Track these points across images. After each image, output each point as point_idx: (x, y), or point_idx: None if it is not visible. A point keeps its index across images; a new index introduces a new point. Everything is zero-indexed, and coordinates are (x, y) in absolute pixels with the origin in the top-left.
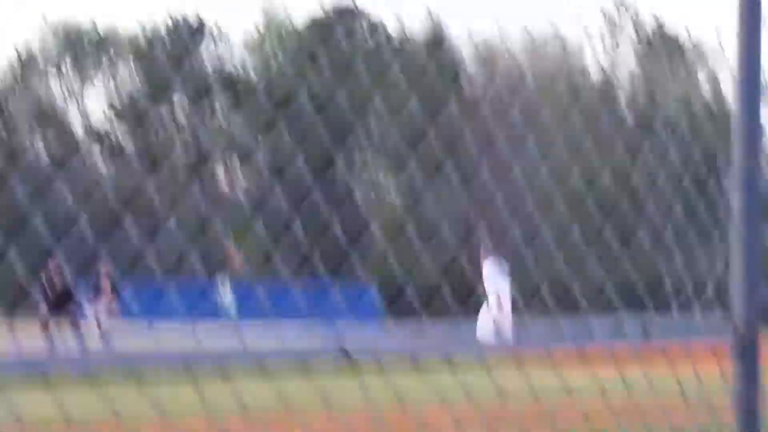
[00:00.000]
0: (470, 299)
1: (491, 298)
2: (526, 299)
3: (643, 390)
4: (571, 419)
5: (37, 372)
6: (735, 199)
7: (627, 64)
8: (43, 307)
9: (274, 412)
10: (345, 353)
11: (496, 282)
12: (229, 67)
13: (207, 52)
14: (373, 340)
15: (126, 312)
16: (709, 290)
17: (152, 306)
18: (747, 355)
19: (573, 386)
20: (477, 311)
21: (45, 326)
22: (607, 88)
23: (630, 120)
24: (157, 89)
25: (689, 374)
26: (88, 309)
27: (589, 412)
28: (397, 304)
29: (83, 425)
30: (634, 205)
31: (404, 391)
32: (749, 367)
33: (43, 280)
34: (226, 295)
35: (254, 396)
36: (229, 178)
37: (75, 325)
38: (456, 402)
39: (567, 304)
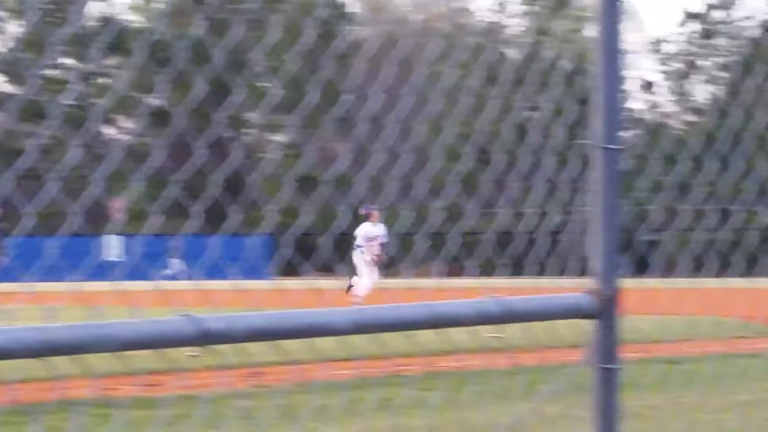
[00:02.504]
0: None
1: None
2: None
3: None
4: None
5: None
6: (596, 167)
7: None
8: None
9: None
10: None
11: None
12: (114, 23)
13: (89, 6)
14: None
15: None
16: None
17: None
18: (606, 312)
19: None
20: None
21: None
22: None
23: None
24: (37, 44)
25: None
26: None
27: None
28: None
29: None
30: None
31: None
32: (607, 323)
33: None
34: (111, 251)
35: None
36: (113, 131)
37: None
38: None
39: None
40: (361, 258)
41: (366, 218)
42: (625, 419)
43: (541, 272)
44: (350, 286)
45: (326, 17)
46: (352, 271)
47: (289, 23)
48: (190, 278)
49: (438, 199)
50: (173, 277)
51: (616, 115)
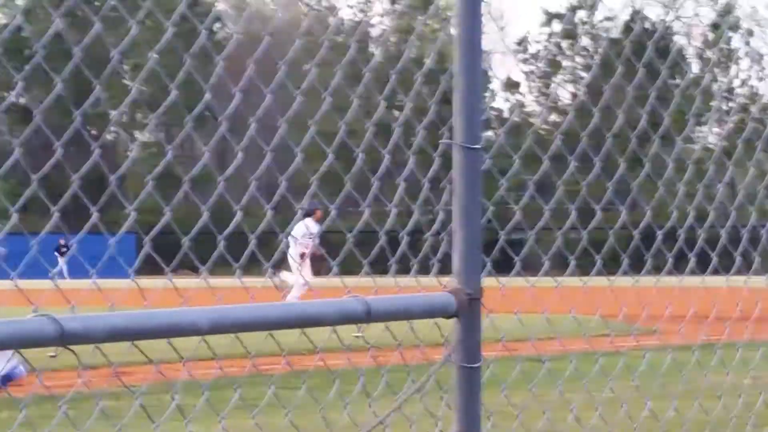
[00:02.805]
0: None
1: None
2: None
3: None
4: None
5: None
6: (456, 167)
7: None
8: None
9: None
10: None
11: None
12: None
13: None
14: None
15: None
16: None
17: None
18: (467, 311)
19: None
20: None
21: None
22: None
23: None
24: None
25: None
26: None
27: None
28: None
29: None
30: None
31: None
32: (469, 322)
33: None
34: None
35: None
36: None
37: None
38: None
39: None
40: (296, 256)
41: (307, 215)
42: (487, 417)
43: (404, 271)
44: (281, 282)
45: (188, 14)
46: (286, 268)
47: (151, 20)
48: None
49: (300, 199)
50: (61, 276)
51: (476, 114)
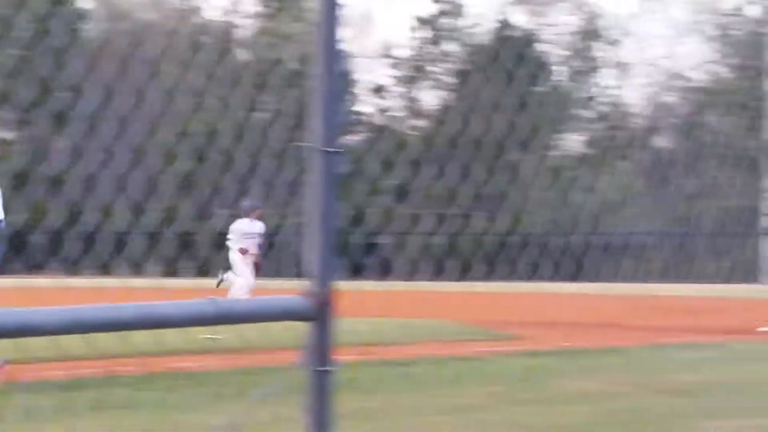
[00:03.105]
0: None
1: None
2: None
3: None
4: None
5: None
6: (314, 170)
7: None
8: None
9: None
10: None
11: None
12: None
13: None
14: None
15: None
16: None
17: None
18: (321, 314)
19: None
20: None
21: None
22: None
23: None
24: None
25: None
26: None
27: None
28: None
29: None
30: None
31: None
32: (322, 325)
33: None
34: None
35: None
36: None
37: None
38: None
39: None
40: (237, 256)
41: (246, 215)
42: (339, 421)
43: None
44: (221, 281)
45: (45, 11)
46: (227, 267)
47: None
48: None
49: (155, 199)
50: None
51: (335, 117)
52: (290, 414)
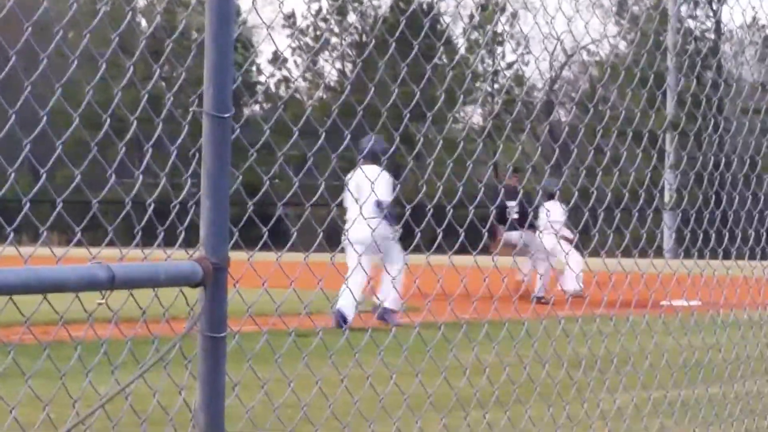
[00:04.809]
0: None
1: None
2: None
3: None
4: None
5: None
6: (205, 135)
7: None
8: None
9: None
10: None
11: None
12: None
13: None
14: None
15: None
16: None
17: None
18: (214, 281)
19: None
20: None
21: None
22: None
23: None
24: None
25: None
26: None
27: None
28: None
29: None
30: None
31: None
32: (215, 292)
33: None
34: None
35: None
36: None
37: None
38: None
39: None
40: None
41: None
42: (232, 388)
43: (150, 240)
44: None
45: None
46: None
47: None
48: None
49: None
50: None
51: (226, 82)
52: (183, 381)
